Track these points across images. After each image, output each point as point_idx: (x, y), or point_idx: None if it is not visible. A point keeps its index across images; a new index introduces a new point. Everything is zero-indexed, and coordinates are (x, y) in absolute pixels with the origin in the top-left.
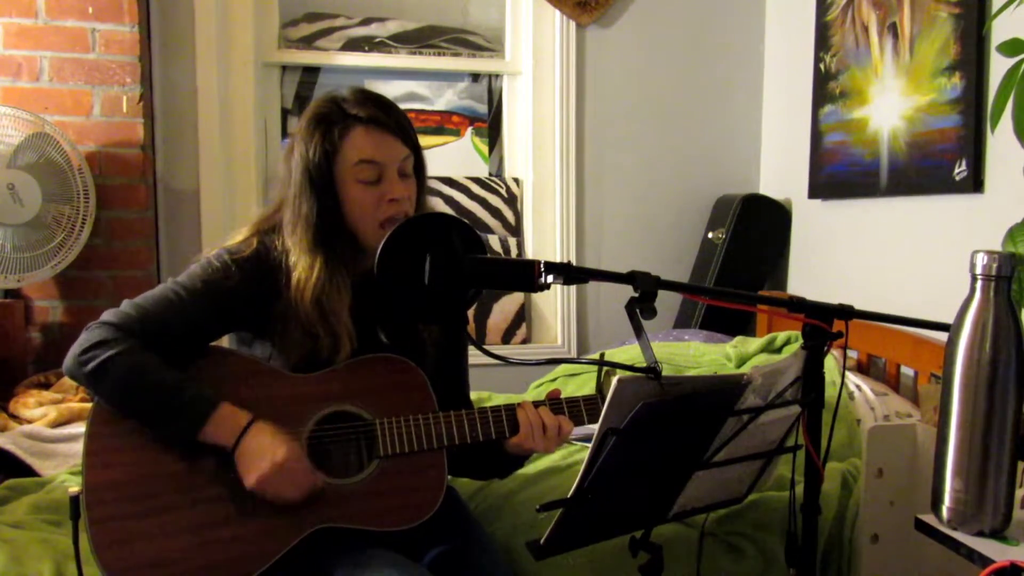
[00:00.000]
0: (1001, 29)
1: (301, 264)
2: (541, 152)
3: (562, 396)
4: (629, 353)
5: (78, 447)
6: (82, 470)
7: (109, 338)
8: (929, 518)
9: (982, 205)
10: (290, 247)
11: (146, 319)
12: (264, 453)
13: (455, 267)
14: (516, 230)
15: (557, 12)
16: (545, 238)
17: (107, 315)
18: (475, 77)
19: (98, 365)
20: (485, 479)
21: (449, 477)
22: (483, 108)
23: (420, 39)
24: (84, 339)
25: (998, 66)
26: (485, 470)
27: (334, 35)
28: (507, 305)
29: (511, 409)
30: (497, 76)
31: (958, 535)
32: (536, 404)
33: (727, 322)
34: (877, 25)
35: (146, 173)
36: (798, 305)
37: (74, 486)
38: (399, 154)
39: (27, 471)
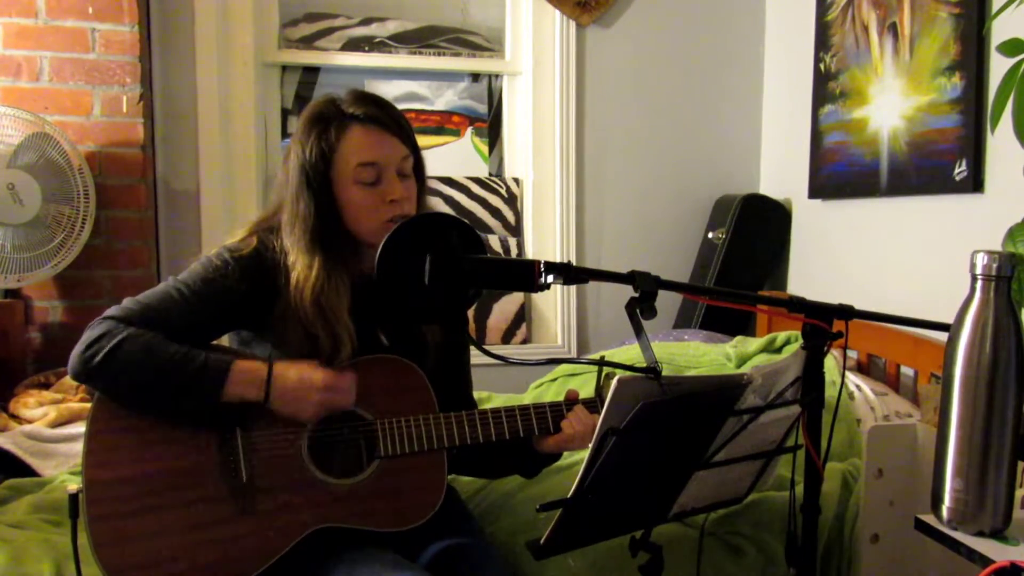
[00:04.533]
0: (1001, 29)
1: (300, 264)
2: (541, 152)
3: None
4: (629, 353)
5: (78, 447)
6: (81, 468)
7: (111, 329)
8: (929, 518)
9: (982, 205)
10: (288, 247)
11: (147, 313)
12: (304, 388)
13: (455, 267)
14: (516, 230)
15: (557, 12)
16: (545, 238)
17: (108, 311)
18: (475, 77)
19: (105, 355)
20: (495, 477)
21: (449, 476)
22: (483, 108)
23: (420, 39)
24: (86, 336)
25: (998, 66)
26: (502, 469)
27: (334, 35)
28: (507, 305)
29: (512, 411)
30: (497, 76)
31: (958, 535)
32: (570, 405)
33: (727, 322)
34: (877, 25)
35: (146, 173)
36: (798, 305)
37: (73, 484)
38: (398, 154)
39: (27, 471)
